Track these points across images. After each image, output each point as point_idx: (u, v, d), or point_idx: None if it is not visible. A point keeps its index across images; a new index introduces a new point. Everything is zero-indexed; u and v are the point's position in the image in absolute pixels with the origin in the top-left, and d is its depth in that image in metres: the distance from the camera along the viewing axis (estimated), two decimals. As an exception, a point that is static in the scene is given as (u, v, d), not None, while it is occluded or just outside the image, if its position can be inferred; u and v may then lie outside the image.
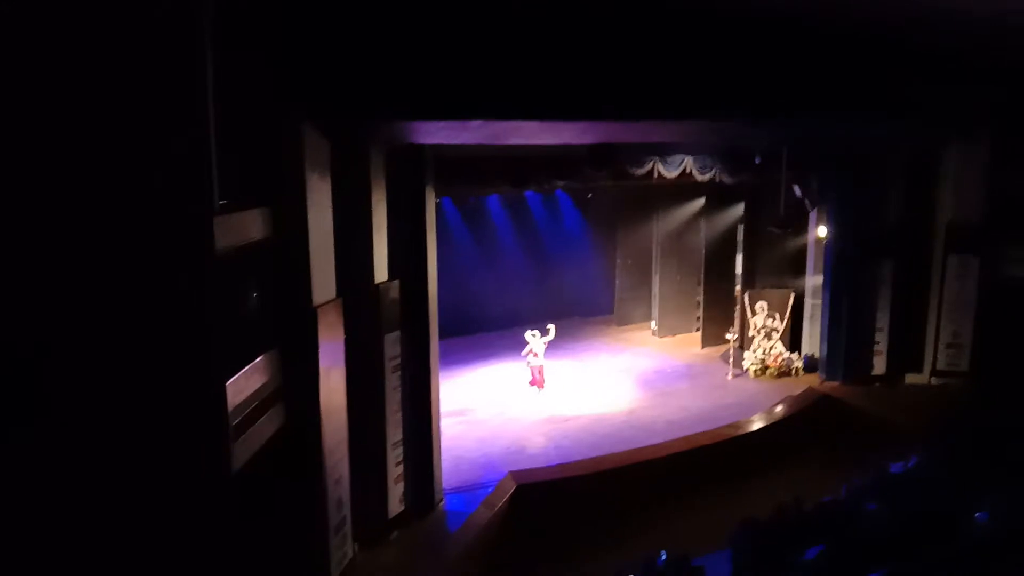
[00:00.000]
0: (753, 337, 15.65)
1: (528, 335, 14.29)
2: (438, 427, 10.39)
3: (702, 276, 17.54)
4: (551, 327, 14.43)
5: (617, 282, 19.36)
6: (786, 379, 15.02)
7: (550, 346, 14.43)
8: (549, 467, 11.04)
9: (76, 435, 4.80)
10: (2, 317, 4.56)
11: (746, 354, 15.56)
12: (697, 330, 17.95)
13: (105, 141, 4.82)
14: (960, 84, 10.00)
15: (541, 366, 14.26)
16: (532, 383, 14.23)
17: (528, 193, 17.16)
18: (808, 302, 15.64)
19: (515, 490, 10.12)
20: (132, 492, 5.02)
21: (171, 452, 5.19)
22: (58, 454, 4.76)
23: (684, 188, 15.83)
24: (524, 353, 14.28)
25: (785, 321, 15.58)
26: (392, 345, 9.38)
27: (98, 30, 4.70)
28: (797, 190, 14.53)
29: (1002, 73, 10.17)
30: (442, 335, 10.61)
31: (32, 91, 4.54)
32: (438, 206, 10.63)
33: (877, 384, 14.36)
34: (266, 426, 7.13)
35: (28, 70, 4.48)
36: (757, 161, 13.09)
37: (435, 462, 10.27)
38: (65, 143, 4.68)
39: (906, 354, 14.38)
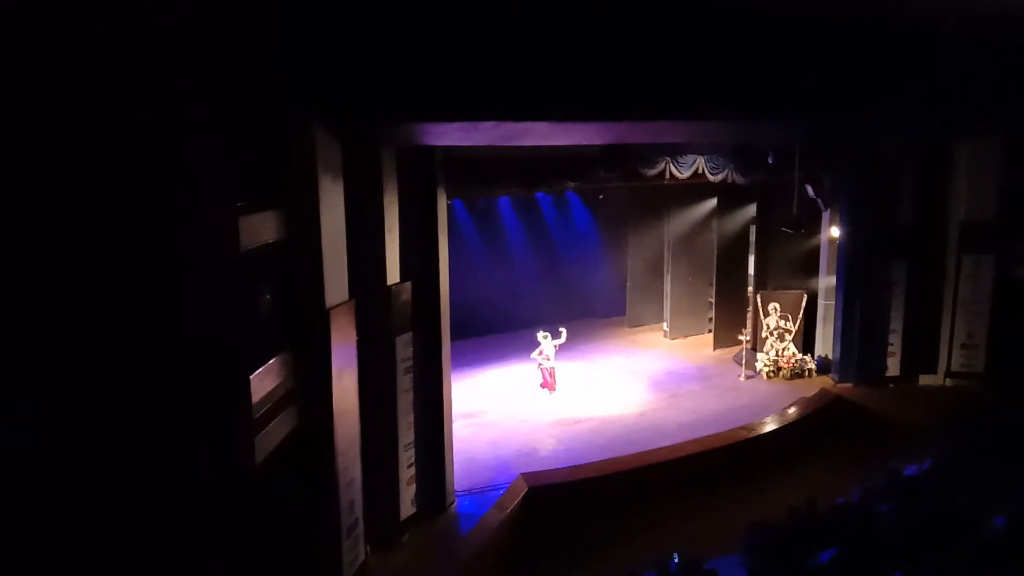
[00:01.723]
0: (766, 338, 15.59)
1: (540, 336, 14.29)
2: (450, 429, 10.38)
3: (714, 277, 17.48)
4: (563, 330, 14.43)
5: (628, 283, 19.29)
6: (799, 381, 14.95)
7: (562, 348, 14.41)
8: (561, 469, 11.03)
9: (105, 427, 4.90)
10: (40, 313, 4.67)
11: (759, 356, 15.51)
12: (709, 332, 17.90)
13: (131, 143, 4.91)
14: (973, 80, 9.92)
15: (552, 368, 14.24)
16: (543, 385, 14.23)
17: (539, 194, 17.17)
18: (821, 303, 15.56)
19: (527, 492, 10.13)
20: (156, 483, 5.10)
21: (196, 444, 5.29)
22: (89, 446, 4.87)
23: (696, 189, 15.80)
24: (534, 355, 14.26)
25: (798, 322, 15.52)
26: (404, 347, 9.39)
27: (116, 32, 4.76)
28: (810, 190, 14.46)
29: (1015, 68, 10.09)
30: (454, 337, 10.61)
31: (58, 97, 4.60)
32: (449, 208, 10.63)
33: (891, 386, 14.28)
34: (280, 427, 7.16)
35: (50, 75, 4.54)
36: (770, 161, 13.01)
37: (447, 464, 10.26)
38: (94, 149, 4.78)
39: (920, 355, 14.31)
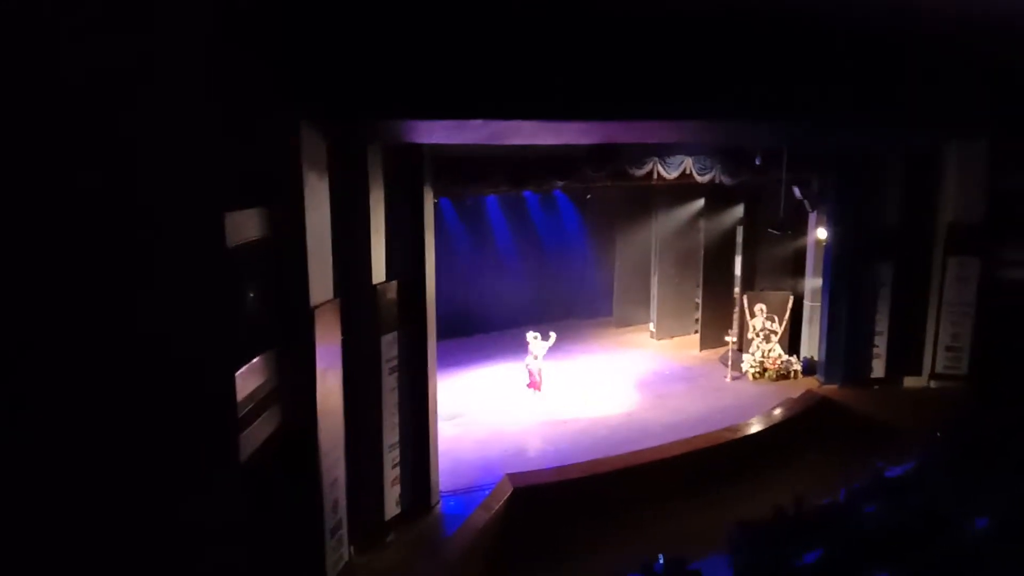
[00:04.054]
0: (752, 339, 15.66)
1: (529, 336, 14.33)
2: (435, 429, 10.36)
3: (701, 278, 17.55)
4: (552, 335, 14.52)
5: (616, 283, 19.36)
6: (785, 382, 15.03)
7: (549, 348, 14.43)
8: (546, 469, 11.03)
9: (90, 424, 4.93)
10: (28, 309, 4.67)
11: (745, 356, 15.57)
12: (696, 332, 17.96)
13: (117, 139, 4.92)
14: (959, 85, 10.00)
15: (540, 369, 14.26)
16: (531, 385, 14.22)
17: (526, 193, 17.16)
18: (807, 304, 15.65)
19: (512, 493, 10.13)
20: (140, 480, 5.12)
21: (181, 442, 5.30)
22: (73, 442, 4.88)
23: (683, 189, 15.84)
24: (528, 358, 14.35)
25: (784, 324, 15.60)
26: (390, 346, 9.37)
27: (106, 28, 4.75)
28: (797, 192, 14.52)
29: (1002, 73, 10.16)
30: (440, 336, 10.61)
31: (44, 92, 4.59)
32: (436, 206, 10.61)
33: (876, 387, 14.37)
34: (263, 427, 7.12)
35: (38, 71, 4.52)
36: (757, 162, 13.06)
37: (432, 464, 10.25)
38: (79, 146, 4.80)
39: (905, 357, 14.41)
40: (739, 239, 16.90)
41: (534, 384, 14.25)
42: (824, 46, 8.87)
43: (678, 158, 12.79)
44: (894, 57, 9.28)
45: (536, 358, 14.25)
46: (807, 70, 8.98)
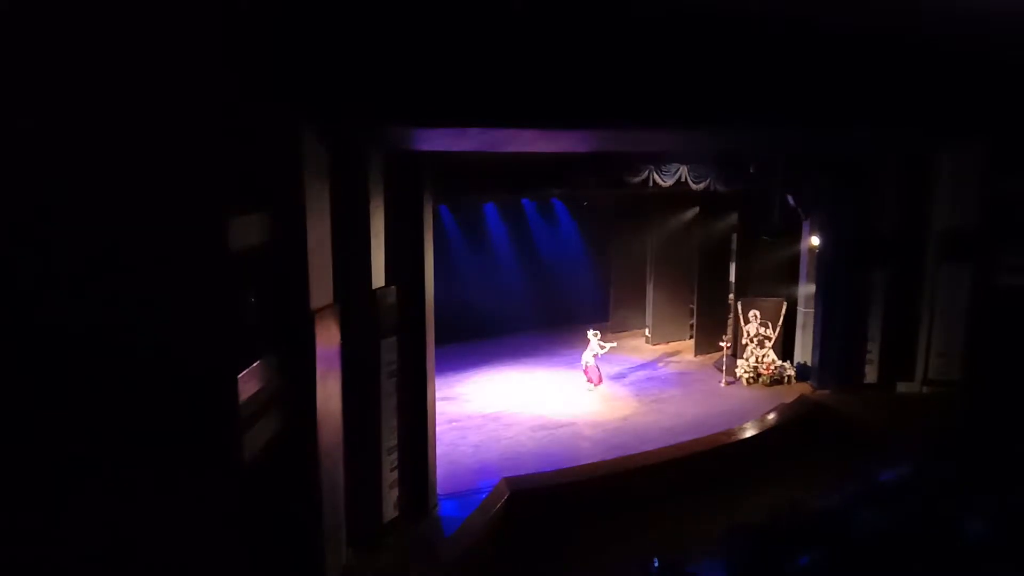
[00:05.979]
0: (746, 345, 15.73)
1: (590, 334, 15.10)
2: (433, 433, 10.41)
3: (696, 284, 17.66)
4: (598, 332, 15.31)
5: (612, 289, 19.46)
6: (778, 387, 15.11)
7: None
8: (543, 473, 11.06)
9: (94, 425, 4.96)
10: (30, 313, 4.70)
11: (739, 362, 15.65)
12: (691, 338, 18.06)
13: (120, 143, 4.95)
14: (953, 89, 10.06)
15: (598, 364, 14.89)
16: (597, 381, 14.88)
17: (524, 200, 17.26)
18: (801, 311, 15.71)
19: (509, 496, 10.15)
20: (145, 482, 5.13)
21: (184, 444, 5.33)
22: (76, 444, 4.91)
23: (679, 197, 15.91)
24: (589, 354, 15.01)
25: (778, 329, 15.68)
26: (388, 351, 9.40)
27: (108, 31, 4.78)
28: (791, 199, 14.62)
29: (997, 77, 10.22)
30: (438, 341, 10.64)
31: (47, 96, 4.61)
32: (435, 213, 10.66)
33: (869, 392, 14.40)
34: (263, 430, 7.14)
35: (39, 74, 4.54)
36: (751, 170, 13.15)
37: (430, 467, 10.29)
38: (83, 149, 4.82)
39: (898, 363, 14.42)
40: (733, 246, 17.01)
41: (599, 379, 14.87)
42: (820, 48, 8.92)
43: (674, 166, 12.87)
44: (892, 58, 9.33)
45: (596, 355, 14.87)
46: (805, 73, 9.04)
